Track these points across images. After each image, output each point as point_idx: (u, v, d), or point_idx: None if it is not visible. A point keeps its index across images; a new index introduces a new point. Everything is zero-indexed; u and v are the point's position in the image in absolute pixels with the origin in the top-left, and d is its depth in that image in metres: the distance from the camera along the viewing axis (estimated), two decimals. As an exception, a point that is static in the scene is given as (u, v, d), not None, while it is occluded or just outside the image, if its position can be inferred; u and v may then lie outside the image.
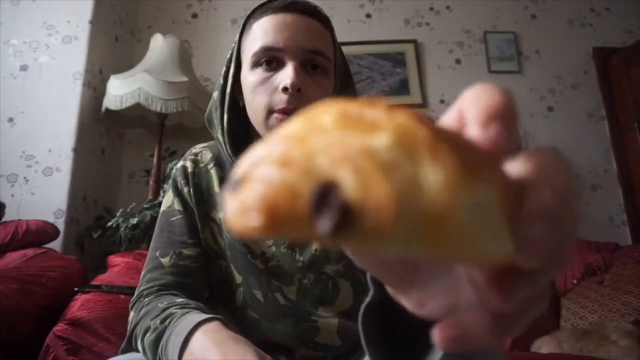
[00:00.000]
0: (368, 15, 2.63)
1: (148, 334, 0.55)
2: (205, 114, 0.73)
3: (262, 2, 0.64)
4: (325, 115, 0.14)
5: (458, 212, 0.12)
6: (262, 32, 0.60)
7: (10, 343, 1.06)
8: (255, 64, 0.61)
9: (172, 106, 1.87)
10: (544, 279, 0.16)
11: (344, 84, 0.68)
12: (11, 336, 1.06)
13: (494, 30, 2.64)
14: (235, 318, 0.67)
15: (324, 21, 0.64)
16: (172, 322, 0.54)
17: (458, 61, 2.59)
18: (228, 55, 0.68)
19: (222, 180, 0.70)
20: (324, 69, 0.62)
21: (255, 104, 0.61)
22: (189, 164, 0.72)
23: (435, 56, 2.59)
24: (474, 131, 0.16)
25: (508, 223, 0.14)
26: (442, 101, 2.51)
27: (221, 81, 0.68)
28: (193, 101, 1.94)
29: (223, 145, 0.67)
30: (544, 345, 1.28)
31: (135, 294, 0.64)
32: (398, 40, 2.58)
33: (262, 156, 0.13)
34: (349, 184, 0.12)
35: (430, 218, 0.12)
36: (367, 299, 0.32)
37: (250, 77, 0.62)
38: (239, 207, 0.13)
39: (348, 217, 0.12)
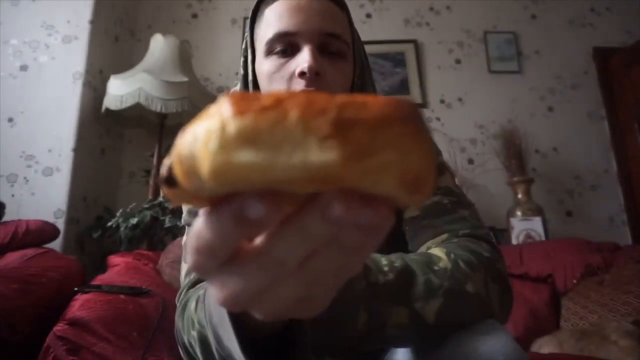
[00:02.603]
0: (368, 15, 2.63)
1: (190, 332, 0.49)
2: None
3: None
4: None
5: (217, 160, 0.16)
6: (275, 18, 0.57)
7: (10, 343, 1.06)
8: (270, 52, 0.58)
9: (172, 106, 1.87)
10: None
11: (364, 68, 0.64)
12: (11, 336, 1.06)
13: (494, 30, 2.64)
14: None
15: (340, 3, 0.60)
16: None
17: (458, 61, 2.59)
18: (243, 45, 0.65)
19: None
20: (342, 53, 0.58)
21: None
22: None
23: (435, 56, 2.59)
24: None
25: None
26: (442, 101, 2.51)
27: (241, 71, 0.65)
28: (193, 101, 1.94)
29: None
30: (544, 345, 1.28)
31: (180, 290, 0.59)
32: (398, 40, 2.58)
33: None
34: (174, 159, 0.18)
35: (199, 160, 0.16)
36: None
37: (265, 66, 0.58)
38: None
39: (170, 178, 0.18)
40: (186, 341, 0.49)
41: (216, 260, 0.19)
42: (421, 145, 0.16)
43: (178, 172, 0.17)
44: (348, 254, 0.19)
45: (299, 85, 0.55)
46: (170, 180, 0.18)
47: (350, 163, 0.15)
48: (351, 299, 0.42)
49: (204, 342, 0.45)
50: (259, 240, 0.19)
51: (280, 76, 0.57)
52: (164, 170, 0.18)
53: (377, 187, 0.16)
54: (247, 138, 0.15)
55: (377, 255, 0.47)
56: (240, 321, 0.33)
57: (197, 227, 0.19)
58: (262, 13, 0.60)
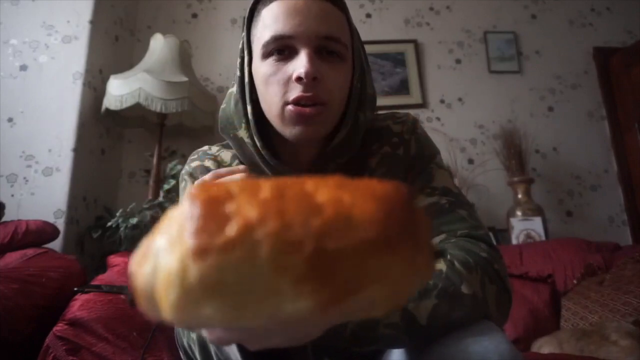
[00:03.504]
0: (368, 15, 2.63)
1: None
2: (220, 116, 0.66)
3: None
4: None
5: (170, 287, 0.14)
6: (271, 20, 0.56)
7: (10, 343, 1.06)
8: (267, 54, 0.57)
9: (172, 106, 1.87)
10: None
11: (364, 69, 0.63)
12: (11, 336, 1.06)
13: (494, 30, 2.64)
14: None
15: (338, 3, 0.58)
16: None
17: (458, 61, 2.59)
18: (240, 46, 0.64)
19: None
20: (341, 55, 0.57)
21: (269, 96, 0.57)
22: (210, 163, 0.65)
23: (435, 56, 2.58)
24: None
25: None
26: (442, 101, 2.51)
27: (238, 73, 0.64)
28: (193, 101, 1.93)
29: (250, 141, 0.60)
30: (544, 345, 1.28)
31: None
32: (398, 40, 2.58)
33: None
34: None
35: (158, 302, 0.15)
36: None
37: (262, 69, 0.57)
38: None
39: (132, 300, 0.17)
40: (186, 344, 0.49)
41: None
42: (417, 268, 0.14)
43: (140, 302, 0.16)
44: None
45: (296, 89, 0.54)
46: (133, 303, 0.17)
47: (329, 308, 0.13)
48: None
49: (203, 345, 0.45)
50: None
51: (277, 80, 0.56)
52: (130, 290, 0.19)
53: (359, 317, 0.14)
54: (210, 287, 0.13)
55: None
56: None
57: None
58: (259, 13, 0.59)
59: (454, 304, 0.45)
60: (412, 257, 0.14)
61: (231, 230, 0.13)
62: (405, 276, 0.14)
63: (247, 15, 0.61)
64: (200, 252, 0.13)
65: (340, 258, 0.13)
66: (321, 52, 0.56)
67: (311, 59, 0.54)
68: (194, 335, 0.46)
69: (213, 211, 0.14)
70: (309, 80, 0.53)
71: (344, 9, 0.60)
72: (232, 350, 0.35)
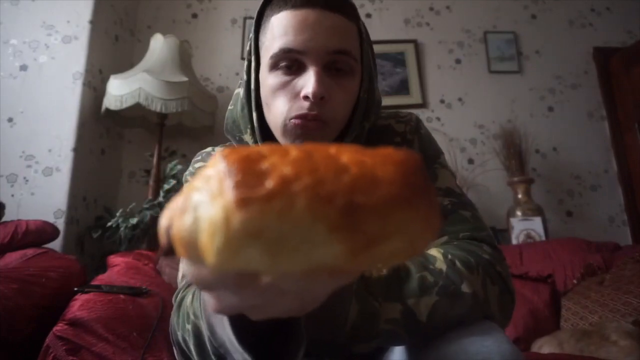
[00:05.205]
0: (368, 15, 2.63)
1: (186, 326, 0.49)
2: (226, 116, 0.66)
3: None
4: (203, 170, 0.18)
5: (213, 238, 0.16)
6: (281, 31, 0.54)
7: (10, 343, 1.06)
8: (274, 66, 0.56)
9: (172, 106, 1.87)
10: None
11: (372, 79, 0.63)
12: (11, 336, 1.06)
13: (494, 30, 2.64)
14: (262, 322, 0.61)
15: (350, 13, 0.57)
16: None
17: (458, 61, 2.59)
18: (247, 48, 0.63)
19: None
20: (350, 70, 0.57)
21: (274, 108, 0.57)
22: None
23: (435, 56, 2.58)
24: None
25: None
26: (442, 101, 2.51)
27: (244, 77, 0.62)
28: (193, 101, 1.94)
29: (254, 145, 0.60)
30: (544, 345, 1.28)
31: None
32: (398, 40, 2.58)
33: None
34: (172, 225, 0.18)
35: (201, 251, 0.16)
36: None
37: (269, 80, 0.57)
38: None
39: (169, 249, 0.18)
40: (180, 338, 0.49)
41: (213, 285, 0.21)
42: (431, 227, 0.16)
43: (179, 251, 0.17)
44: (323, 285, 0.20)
45: (302, 106, 0.54)
46: (170, 252, 0.18)
47: (358, 255, 0.15)
48: (344, 292, 0.41)
49: (197, 335, 0.44)
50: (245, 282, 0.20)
51: (284, 94, 0.55)
52: (164, 241, 0.19)
53: (378, 268, 0.17)
54: (252, 233, 0.15)
55: None
56: None
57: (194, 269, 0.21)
58: (268, 19, 0.58)
59: (454, 302, 0.44)
60: (427, 214, 0.16)
61: (269, 184, 0.15)
62: (422, 230, 0.16)
63: (254, 19, 0.61)
64: (243, 203, 0.15)
65: (368, 211, 0.15)
66: (330, 68, 0.55)
67: (319, 78, 0.53)
68: (189, 326, 0.46)
69: (250, 168, 0.16)
70: (317, 100, 0.53)
71: (355, 18, 0.59)
72: (226, 333, 0.35)
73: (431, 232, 0.16)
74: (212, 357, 0.42)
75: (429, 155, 0.63)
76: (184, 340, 0.48)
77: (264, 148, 0.17)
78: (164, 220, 0.19)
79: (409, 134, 0.64)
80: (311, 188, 0.15)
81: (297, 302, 0.22)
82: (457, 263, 0.47)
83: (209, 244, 0.15)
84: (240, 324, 0.35)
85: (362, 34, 0.61)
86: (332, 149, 0.17)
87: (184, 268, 0.22)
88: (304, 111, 0.54)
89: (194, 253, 0.17)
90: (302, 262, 0.15)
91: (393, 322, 0.43)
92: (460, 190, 0.61)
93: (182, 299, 0.51)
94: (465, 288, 0.45)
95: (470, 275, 0.47)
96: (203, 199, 0.16)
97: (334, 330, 0.42)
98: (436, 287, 0.45)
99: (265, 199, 0.15)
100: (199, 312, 0.43)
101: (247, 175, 0.15)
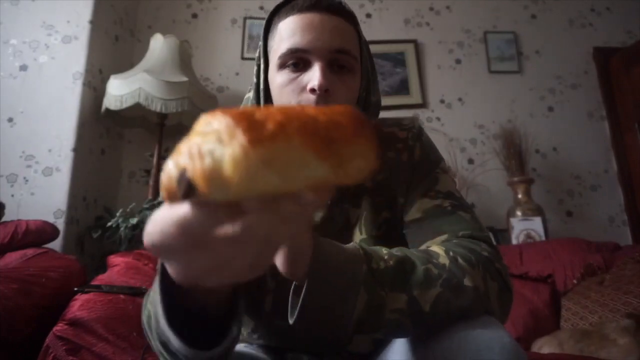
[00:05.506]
0: (368, 15, 2.63)
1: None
2: None
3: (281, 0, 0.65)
4: (204, 121, 0.22)
5: (240, 172, 0.20)
6: (288, 33, 0.61)
7: (10, 343, 1.06)
8: (282, 65, 0.61)
9: (172, 106, 1.87)
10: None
11: (370, 79, 0.69)
12: (11, 336, 1.06)
13: (494, 30, 2.64)
14: (262, 324, 0.65)
15: (349, 17, 0.64)
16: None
17: (458, 61, 2.59)
18: (256, 54, 0.69)
19: None
20: (350, 68, 0.62)
21: (283, 104, 0.62)
22: None
23: (435, 56, 2.59)
24: None
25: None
26: (442, 101, 2.51)
27: (254, 80, 0.68)
28: (193, 101, 1.94)
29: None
30: (544, 345, 1.28)
31: None
32: (398, 40, 2.58)
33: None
34: (189, 170, 0.22)
35: (227, 184, 0.20)
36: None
37: (277, 78, 0.62)
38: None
39: (189, 187, 0.22)
40: (146, 325, 0.50)
41: (191, 240, 0.24)
42: (375, 151, 0.24)
43: (202, 187, 0.21)
44: (296, 225, 0.25)
45: (309, 99, 0.59)
46: (190, 191, 0.22)
47: (338, 172, 0.22)
48: (353, 281, 0.43)
49: (149, 322, 0.47)
50: (223, 228, 0.24)
51: (291, 89, 0.60)
52: (183, 184, 0.22)
53: (351, 181, 0.23)
54: (266, 163, 0.20)
55: (378, 247, 0.49)
56: (171, 293, 0.38)
57: (182, 212, 0.24)
58: (276, 26, 0.64)
59: (456, 294, 0.46)
60: (374, 143, 0.24)
61: (270, 127, 0.20)
62: (372, 153, 0.23)
63: (264, 26, 0.67)
64: (255, 142, 0.20)
65: (340, 142, 0.22)
66: (333, 65, 0.61)
67: (324, 72, 0.59)
68: (145, 316, 0.48)
69: (249, 118, 0.21)
70: (322, 92, 0.58)
71: (354, 23, 0.65)
72: (158, 310, 0.39)
73: (375, 154, 0.24)
74: (159, 344, 0.44)
75: (430, 160, 0.67)
76: (147, 328, 0.50)
77: (246, 108, 0.22)
78: (173, 170, 0.23)
79: (410, 140, 0.68)
80: (301, 128, 0.21)
81: (255, 257, 0.25)
82: (459, 259, 0.49)
83: (235, 174, 0.20)
84: (174, 305, 0.38)
85: (360, 38, 0.66)
86: (298, 107, 0.23)
87: (153, 240, 0.26)
88: (311, 103, 0.59)
89: (217, 185, 0.21)
90: (302, 181, 0.21)
91: (399, 312, 0.44)
92: (459, 194, 0.64)
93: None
94: (467, 282, 0.47)
95: (472, 271, 0.48)
96: (216, 146, 0.21)
97: (342, 317, 0.43)
98: (440, 279, 0.46)
99: (271, 137, 0.20)
100: (153, 299, 0.44)
101: (251, 123, 0.20)
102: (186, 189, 0.22)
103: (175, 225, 0.24)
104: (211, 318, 0.41)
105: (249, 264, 0.26)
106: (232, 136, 0.20)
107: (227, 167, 0.20)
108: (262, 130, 0.20)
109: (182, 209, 0.24)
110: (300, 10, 0.61)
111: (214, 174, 0.20)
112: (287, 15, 0.62)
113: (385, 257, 0.46)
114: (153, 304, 0.43)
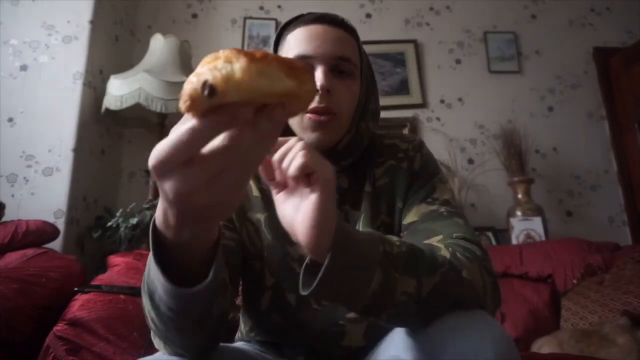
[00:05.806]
0: (368, 15, 2.63)
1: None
2: None
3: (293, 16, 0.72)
4: (210, 56, 0.30)
5: (248, 78, 0.29)
6: (296, 42, 0.67)
7: (10, 343, 1.06)
8: None
9: (172, 106, 1.87)
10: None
11: (369, 87, 0.74)
12: (11, 336, 1.06)
13: (494, 30, 2.64)
14: (259, 321, 0.70)
15: (351, 32, 0.71)
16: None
17: (458, 61, 2.59)
18: None
19: (258, 180, 0.72)
20: (351, 74, 0.68)
21: None
22: None
23: (435, 56, 2.59)
24: None
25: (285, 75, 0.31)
26: (442, 101, 2.51)
27: None
28: (193, 101, 1.93)
29: None
30: (544, 345, 1.28)
31: None
32: (398, 40, 2.58)
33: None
34: (210, 79, 0.29)
35: (238, 84, 0.29)
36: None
37: None
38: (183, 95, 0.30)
39: (212, 89, 0.28)
40: (142, 290, 0.51)
41: (187, 155, 0.30)
42: (314, 82, 0.34)
43: (220, 85, 0.28)
44: (268, 142, 0.32)
45: (314, 100, 0.64)
46: (212, 92, 0.28)
47: (299, 86, 0.31)
48: (371, 259, 0.46)
49: (143, 283, 0.49)
50: (215, 142, 0.30)
51: None
52: (208, 87, 0.28)
53: (305, 102, 0.33)
54: (259, 73, 0.29)
55: (391, 236, 0.52)
56: (164, 247, 0.41)
57: (185, 128, 0.30)
58: (285, 38, 0.71)
59: (454, 285, 0.50)
60: (314, 79, 0.35)
61: (258, 55, 0.29)
62: (314, 84, 0.34)
63: (274, 39, 0.74)
64: (252, 60, 0.29)
65: (298, 69, 0.31)
66: (334, 70, 0.67)
67: (326, 75, 0.65)
68: (144, 284, 0.49)
69: (242, 50, 0.29)
70: (324, 93, 0.64)
71: (355, 36, 0.72)
72: (158, 277, 0.42)
73: (315, 86, 0.34)
74: (148, 300, 0.48)
75: (429, 171, 0.71)
76: (145, 300, 0.51)
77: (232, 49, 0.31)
78: (196, 82, 0.29)
79: (411, 151, 0.73)
80: (277, 58, 0.30)
81: (239, 173, 0.32)
82: (458, 254, 0.53)
83: (243, 77, 0.28)
84: (165, 257, 0.42)
85: (361, 50, 0.73)
86: (263, 52, 0.32)
87: (156, 156, 0.32)
88: (315, 104, 0.64)
89: (232, 85, 0.28)
90: (280, 88, 0.30)
91: (407, 294, 0.47)
92: (456, 204, 0.68)
93: None
94: (465, 274, 0.51)
95: (470, 265, 0.52)
96: (226, 64, 0.29)
97: (358, 292, 0.45)
98: (443, 268, 0.50)
99: (260, 59, 0.29)
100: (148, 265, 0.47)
101: (245, 52, 0.29)
102: (210, 91, 0.28)
103: (177, 139, 0.30)
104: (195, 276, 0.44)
105: (234, 180, 0.32)
106: (237, 58, 0.29)
107: (238, 74, 0.28)
108: (254, 55, 0.29)
109: (187, 124, 0.30)
110: (307, 23, 0.68)
111: (230, 78, 0.28)
112: (294, 27, 0.69)
113: (398, 243, 0.50)
114: (147, 264, 0.47)
